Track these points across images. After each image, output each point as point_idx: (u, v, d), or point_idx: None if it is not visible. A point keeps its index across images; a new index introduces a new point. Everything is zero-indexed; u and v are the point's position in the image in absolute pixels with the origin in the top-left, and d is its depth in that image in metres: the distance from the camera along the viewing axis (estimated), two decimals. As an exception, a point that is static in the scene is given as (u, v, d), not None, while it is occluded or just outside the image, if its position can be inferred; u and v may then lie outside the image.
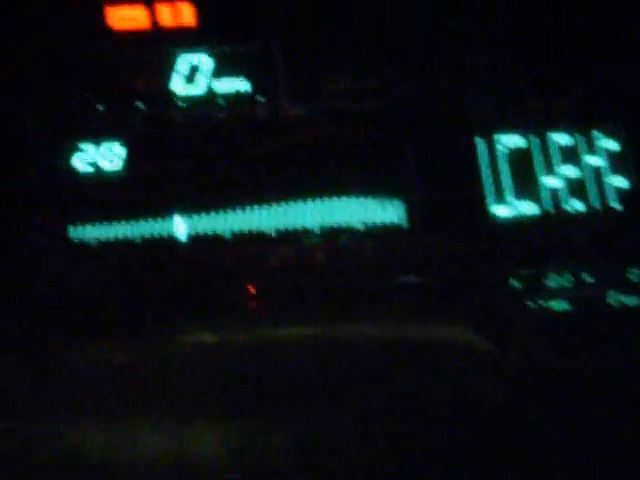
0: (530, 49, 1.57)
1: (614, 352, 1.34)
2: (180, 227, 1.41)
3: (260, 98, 1.49)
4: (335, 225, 1.42)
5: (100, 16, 1.47)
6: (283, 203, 1.43)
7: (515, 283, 1.43)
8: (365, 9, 1.52)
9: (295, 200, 1.43)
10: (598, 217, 1.48)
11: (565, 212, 1.48)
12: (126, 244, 1.40)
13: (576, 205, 1.49)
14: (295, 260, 1.39)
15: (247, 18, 1.50)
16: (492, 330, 1.30)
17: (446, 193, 1.46)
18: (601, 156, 1.52)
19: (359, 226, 1.43)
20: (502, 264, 1.43)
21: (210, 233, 1.41)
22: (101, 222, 1.40)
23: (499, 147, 1.51)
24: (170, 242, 1.41)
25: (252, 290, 1.37)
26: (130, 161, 1.44)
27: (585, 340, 1.37)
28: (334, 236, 1.42)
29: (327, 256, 1.40)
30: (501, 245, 1.45)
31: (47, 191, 1.41)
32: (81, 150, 1.44)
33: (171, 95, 1.49)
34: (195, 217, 1.42)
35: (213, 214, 1.42)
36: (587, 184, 1.50)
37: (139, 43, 1.49)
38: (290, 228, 1.42)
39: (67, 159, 1.43)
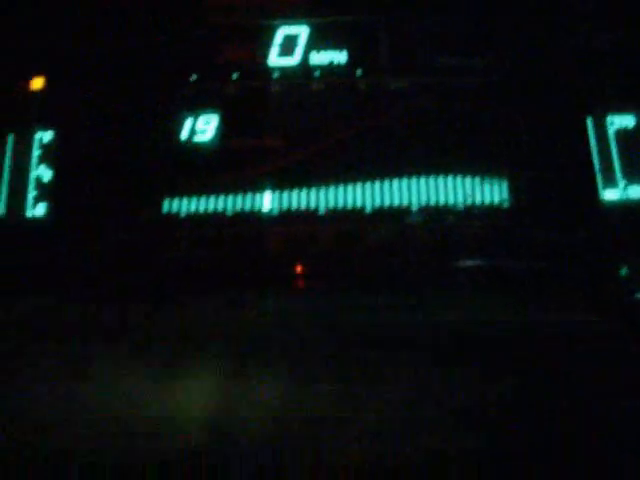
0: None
1: None
2: (272, 202, 1.36)
3: (359, 71, 1.43)
4: (437, 204, 1.35)
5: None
6: (381, 180, 1.37)
7: (624, 271, 1.33)
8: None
9: (393, 177, 1.36)
10: None
11: None
12: (218, 216, 1.36)
13: None
14: (393, 239, 1.33)
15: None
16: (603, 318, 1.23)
17: (554, 174, 1.37)
18: None
19: (462, 206, 1.35)
20: (611, 250, 1.34)
21: (304, 209, 1.36)
22: (194, 194, 1.37)
23: (612, 128, 1.41)
24: (262, 216, 1.36)
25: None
26: (224, 132, 1.40)
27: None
28: (436, 215, 1.35)
29: (428, 235, 1.33)
30: (611, 230, 1.36)
31: (151, 162, 1.39)
32: (179, 121, 1.41)
33: (268, 66, 1.44)
34: (288, 192, 1.37)
35: (307, 189, 1.37)
36: None
37: (238, 13, 1.45)
38: (388, 206, 1.36)
39: (166, 130, 1.40)
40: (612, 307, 1.29)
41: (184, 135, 1.41)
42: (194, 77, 1.44)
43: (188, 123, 1.41)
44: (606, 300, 1.27)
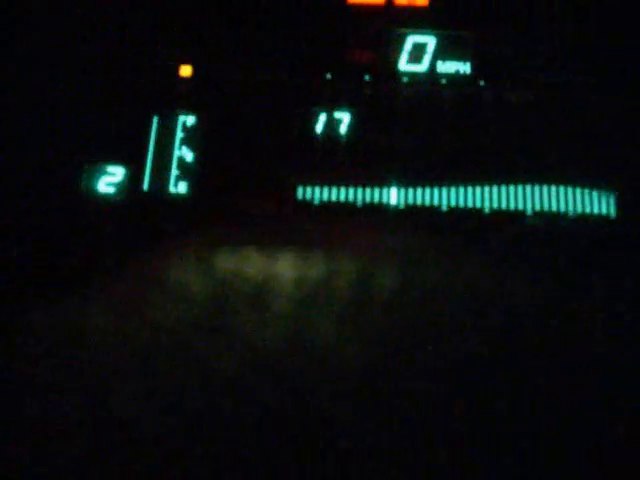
0: None
1: None
2: (397, 198, 1.48)
3: (481, 81, 1.54)
4: (549, 211, 1.47)
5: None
6: (499, 184, 1.48)
7: None
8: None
9: (511, 183, 1.48)
10: None
11: None
12: (345, 208, 1.48)
13: None
14: (508, 241, 1.45)
15: (475, 4, 1.56)
16: None
17: None
18: None
19: (571, 214, 1.47)
20: None
21: (427, 206, 1.48)
22: (324, 185, 1.49)
23: None
24: (385, 211, 1.48)
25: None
26: (355, 130, 1.52)
27: None
28: (548, 221, 1.46)
29: (542, 238, 1.45)
30: None
31: (286, 151, 1.51)
32: (312, 117, 1.53)
33: (397, 71, 1.56)
34: (412, 190, 1.49)
35: (430, 189, 1.49)
36: None
37: (372, 18, 1.56)
38: (505, 210, 1.47)
39: (300, 124, 1.52)
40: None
41: (319, 129, 1.53)
42: (329, 76, 1.55)
43: (323, 118, 1.53)
44: None
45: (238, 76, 1.55)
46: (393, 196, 1.49)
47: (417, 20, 1.57)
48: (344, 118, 1.53)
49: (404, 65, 1.57)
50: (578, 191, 1.48)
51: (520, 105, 1.53)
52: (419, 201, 1.48)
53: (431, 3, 1.56)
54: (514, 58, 1.56)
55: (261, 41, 1.56)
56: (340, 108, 1.53)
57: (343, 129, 1.52)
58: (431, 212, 1.48)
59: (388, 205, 1.48)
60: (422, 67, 1.57)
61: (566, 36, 1.55)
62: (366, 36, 1.57)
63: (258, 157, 1.51)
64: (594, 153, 1.50)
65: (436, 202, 1.48)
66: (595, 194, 1.48)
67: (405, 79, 1.56)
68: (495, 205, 1.48)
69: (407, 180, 1.49)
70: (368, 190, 1.49)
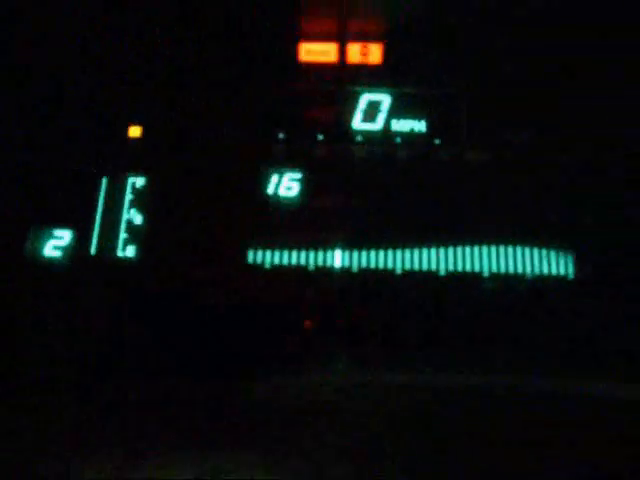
0: None
1: None
2: (347, 259, 1.44)
3: (437, 140, 1.52)
4: (505, 271, 1.44)
5: (292, 49, 1.53)
6: (454, 246, 1.45)
7: None
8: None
9: (463, 244, 1.45)
10: None
11: None
12: (295, 270, 1.44)
13: None
14: (462, 302, 1.41)
15: (432, 63, 1.54)
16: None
17: (619, 250, 1.45)
18: None
19: (528, 275, 1.44)
20: None
21: (375, 268, 1.44)
22: (275, 247, 1.45)
23: None
24: (335, 273, 1.44)
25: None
26: (308, 191, 1.49)
27: None
28: (503, 281, 1.43)
29: (494, 300, 1.41)
30: None
31: (236, 213, 1.47)
32: (264, 178, 1.49)
33: (351, 130, 1.53)
34: (363, 251, 1.45)
35: (381, 250, 1.45)
36: None
37: (326, 77, 1.54)
38: (461, 270, 1.44)
39: (252, 186, 1.49)
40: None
41: (270, 190, 1.49)
42: (282, 135, 1.52)
43: (274, 179, 1.49)
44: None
45: (189, 137, 1.52)
46: (345, 259, 1.45)
47: (371, 78, 1.55)
48: (297, 178, 1.49)
49: (358, 124, 1.54)
50: (535, 251, 1.45)
51: (476, 164, 1.50)
52: (372, 264, 1.44)
53: (385, 61, 1.54)
54: (470, 116, 1.54)
55: (212, 101, 1.53)
56: (293, 168, 1.50)
57: (295, 190, 1.49)
58: (385, 275, 1.44)
59: (340, 268, 1.44)
60: (376, 126, 1.54)
61: (521, 94, 1.53)
62: (320, 95, 1.54)
63: (208, 219, 1.47)
64: (550, 212, 1.47)
65: (390, 265, 1.44)
66: (552, 254, 1.45)
67: (359, 138, 1.53)
68: (451, 267, 1.44)
69: (361, 242, 1.45)
70: (320, 252, 1.45)
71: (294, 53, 1.53)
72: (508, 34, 1.51)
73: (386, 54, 1.54)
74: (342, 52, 1.53)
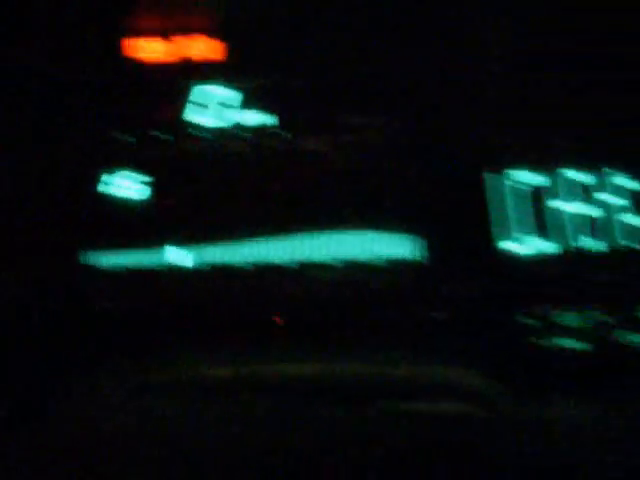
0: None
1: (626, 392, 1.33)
2: (190, 257, 1.45)
3: (281, 131, 1.53)
4: (345, 259, 1.45)
5: (126, 47, 1.52)
6: (296, 235, 1.46)
7: (525, 320, 1.42)
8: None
9: (306, 233, 1.46)
10: (611, 255, 1.47)
11: (578, 250, 1.47)
12: (140, 271, 1.45)
13: (589, 243, 1.48)
14: (306, 293, 1.42)
15: (271, 54, 1.54)
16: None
17: (454, 229, 1.45)
18: (619, 194, 1.50)
19: (368, 260, 1.44)
20: (511, 301, 1.43)
21: (221, 264, 1.45)
22: (116, 248, 1.46)
23: (509, 183, 1.49)
24: (181, 271, 1.45)
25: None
26: (149, 190, 1.49)
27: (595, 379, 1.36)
28: (345, 269, 1.44)
29: (336, 289, 1.42)
30: (511, 282, 1.44)
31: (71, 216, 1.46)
32: (100, 178, 1.49)
33: (193, 126, 1.53)
34: (207, 248, 1.46)
35: (227, 245, 1.46)
36: (603, 222, 1.49)
37: (167, 75, 1.54)
38: (302, 261, 1.45)
39: (87, 186, 1.48)
40: (510, 355, 1.37)
41: (102, 189, 1.49)
42: (115, 134, 1.52)
43: (106, 178, 1.49)
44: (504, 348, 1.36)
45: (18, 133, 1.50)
46: (187, 256, 1.45)
47: (216, 74, 1.55)
48: (139, 179, 1.50)
49: (204, 120, 1.55)
50: (378, 236, 1.46)
51: (322, 153, 1.51)
52: (218, 259, 1.45)
53: (229, 56, 1.54)
54: (308, 105, 1.54)
55: (54, 99, 1.52)
56: (135, 168, 1.50)
57: (128, 190, 1.49)
58: (230, 270, 1.44)
59: (183, 266, 1.45)
60: (223, 121, 1.54)
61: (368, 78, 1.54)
62: (163, 93, 1.54)
63: (40, 219, 1.46)
64: (393, 196, 1.48)
65: (237, 259, 1.45)
66: (396, 238, 1.46)
67: (207, 134, 1.54)
68: (297, 256, 1.45)
69: (204, 238, 1.46)
70: (164, 251, 1.46)
71: (131, 50, 1.52)
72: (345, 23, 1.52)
73: (226, 48, 1.54)
74: (182, 48, 1.53)
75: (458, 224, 1.45)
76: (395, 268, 1.45)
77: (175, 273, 1.45)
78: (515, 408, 1.22)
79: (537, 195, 1.50)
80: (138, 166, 1.50)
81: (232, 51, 1.54)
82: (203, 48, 1.55)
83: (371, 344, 1.34)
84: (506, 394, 1.25)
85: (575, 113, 1.51)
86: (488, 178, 1.50)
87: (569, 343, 1.40)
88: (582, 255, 1.47)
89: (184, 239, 1.47)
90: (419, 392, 1.23)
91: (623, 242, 1.49)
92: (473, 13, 1.52)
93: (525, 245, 1.47)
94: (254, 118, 1.54)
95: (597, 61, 1.48)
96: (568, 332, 1.40)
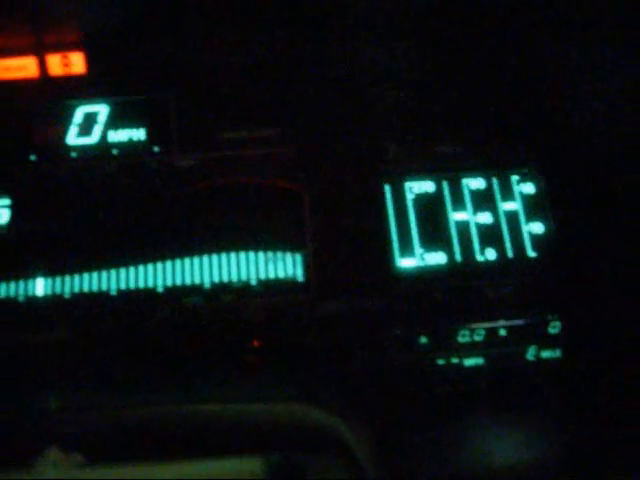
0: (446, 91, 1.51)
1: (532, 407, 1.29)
2: (62, 286, 1.34)
3: (155, 148, 1.43)
4: (227, 281, 1.34)
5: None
6: (172, 260, 1.35)
7: (423, 339, 1.33)
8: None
9: (185, 256, 1.35)
10: (513, 266, 1.39)
11: (477, 262, 1.39)
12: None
13: (490, 254, 1.39)
14: (179, 319, 1.31)
15: (140, 67, 1.45)
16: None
17: (349, 244, 1.37)
18: (516, 201, 1.43)
19: (253, 282, 1.35)
20: (409, 320, 1.34)
21: (95, 291, 1.34)
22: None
23: (409, 194, 1.42)
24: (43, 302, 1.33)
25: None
26: (15, 217, 1.38)
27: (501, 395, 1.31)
28: (225, 293, 1.33)
29: (214, 315, 1.32)
30: (408, 299, 1.36)
31: None
32: None
33: (62, 146, 1.43)
34: (77, 276, 1.34)
35: (100, 271, 1.35)
36: (501, 231, 1.41)
37: (29, 93, 1.44)
38: (176, 285, 1.34)
39: None
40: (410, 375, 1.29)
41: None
42: (-12, 159, 1.41)
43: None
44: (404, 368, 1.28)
45: None
46: (56, 285, 1.34)
47: (78, 90, 1.45)
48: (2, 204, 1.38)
49: (73, 139, 1.44)
50: (261, 256, 1.36)
51: (189, 169, 1.41)
52: (85, 288, 1.34)
53: (90, 71, 1.44)
54: (183, 121, 1.44)
55: None
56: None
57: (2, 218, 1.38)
58: (99, 298, 1.33)
59: (49, 296, 1.33)
60: (92, 139, 1.44)
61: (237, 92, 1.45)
62: (25, 113, 1.44)
63: None
64: (273, 213, 1.38)
65: (104, 287, 1.34)
66: (278, 258, 1.36)
67: (74, 154, 1.43)
68: (170, 281, 1.34)
69: (73, 265, 1.34)
70: (12, 282, 1.34)
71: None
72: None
73: (90, 63, 1.43)
74: (43, 65, 1.43)
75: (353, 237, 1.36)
76: (278, 289, 1.34)
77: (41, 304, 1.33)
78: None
79: (436, 205, 1.41)
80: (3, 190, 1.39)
81: (96, 65, 1.44)
82: (70, 64, 1.44)
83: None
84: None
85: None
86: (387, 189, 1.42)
87: (470, 361, 1.32)
88: (481, 267, 1.37)
89: (49, 268, 1.35)
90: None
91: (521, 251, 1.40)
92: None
93: (421, 259, 1.38)
94: (123, 134, 1.43)
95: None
96: (469, 349, 1.31)
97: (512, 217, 1.41)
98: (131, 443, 1.09)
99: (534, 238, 1.40)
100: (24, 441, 1.09)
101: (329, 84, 1.48)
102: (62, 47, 1.42)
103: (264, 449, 1.09)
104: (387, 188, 1.42)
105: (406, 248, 1.39)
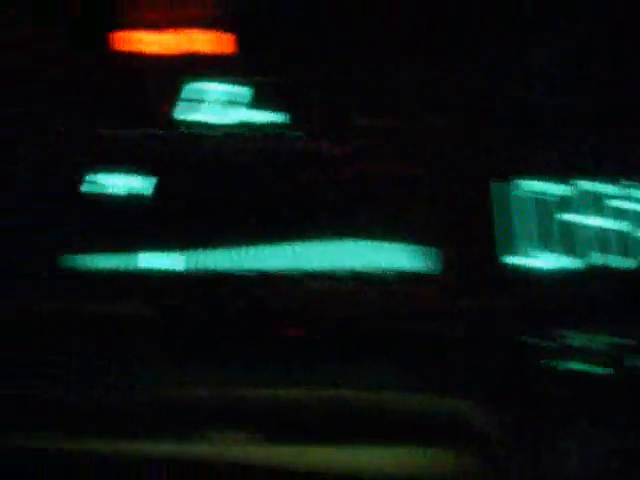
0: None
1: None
2: (191, 261, 1.39)
3: (291, 132, 1.46)
4: (356, 268, 1.39)
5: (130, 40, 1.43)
6: (304, 242, 1.39)
7: (530, 340, 1.37)
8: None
9: (315, 240, 1.39)
10: (623, 272, 1.43)
11: (590, 266, 1.41)
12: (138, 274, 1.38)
13: (601, 259, 1.42)
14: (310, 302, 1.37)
15: (284, 50, 1.46)
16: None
17: (459, 241, 1.39)
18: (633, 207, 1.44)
19: (378, 271, 1.38)
20: (516, 319, 1.38)
21: (228, 268, 1.38)
22: (109, 251, 1.39)
23: (517, 193, 1.42)
24: (180, 275, 1.39)
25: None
26: (151, 189, 1.42)
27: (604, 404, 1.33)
28: (354, 279, 1.38)
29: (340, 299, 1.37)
30: (516, 299, 1.38)
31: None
32: (93, 176, 1.41)
33: (198, 124, 1.45)
34: (208, 253, 1.39)
35: (233, 249, 1.39)
36: (615, 236, 1.43)
37: (173, 69, 1.45)
38: (313, 268, 1.39)
39: (79, 185, 1.40)
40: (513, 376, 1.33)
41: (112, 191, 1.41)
42: (127, 132, 1.43)
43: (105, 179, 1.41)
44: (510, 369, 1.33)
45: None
46: (187, 261, 1.39)
47: (224, 69, 1.46)
48: (143, 178, 1.42)
49: (211, 117, 1.47)
50: (396, 247, 1.39)
51: (331, 155, 1.44)
52: (220, 265, 1.38)
53: (240, 50, 1.45)
54: (324, 106, 1.46)
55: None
56: (133, 167, 1.42)
57: (140, 190, 1.41)
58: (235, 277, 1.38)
59: (183, 271, 1.38)
60: (232, 118, 1.46)
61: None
62: (167, 89, 1.46)
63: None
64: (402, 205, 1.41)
65: (238, 266, 1.38)
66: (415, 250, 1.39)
67: (213, 132, 1.46)
68: (284, 265, 1.38)
69: (205, 242, 1.38)
70: (158, 255, 1.38)
71: (130, 42, 1.43)
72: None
73: (234, 42, 1.45)
74: (182, 41, 1.44)
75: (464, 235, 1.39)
76: (403, 280, 1.40)
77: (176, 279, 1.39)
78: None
79: (550, 207, 1.44)
80: (137, 165, 1.42)
81: (238, 45, 1.45)
82: (206, 41, 1.46)
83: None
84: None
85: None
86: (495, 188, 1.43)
87: (583, 367, 1.36)
88: (597, 272, 1.41)
89: (180, 243, 1.39)
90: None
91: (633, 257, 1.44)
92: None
93: (536, 260, 1.42)
94: (261, 116, 1.46)
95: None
96: (581, 355, 1.37)
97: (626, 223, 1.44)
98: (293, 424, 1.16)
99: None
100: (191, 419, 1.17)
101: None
102: (206, 24, 1.43)
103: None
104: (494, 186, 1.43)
105: (515, 247, 1.40)
